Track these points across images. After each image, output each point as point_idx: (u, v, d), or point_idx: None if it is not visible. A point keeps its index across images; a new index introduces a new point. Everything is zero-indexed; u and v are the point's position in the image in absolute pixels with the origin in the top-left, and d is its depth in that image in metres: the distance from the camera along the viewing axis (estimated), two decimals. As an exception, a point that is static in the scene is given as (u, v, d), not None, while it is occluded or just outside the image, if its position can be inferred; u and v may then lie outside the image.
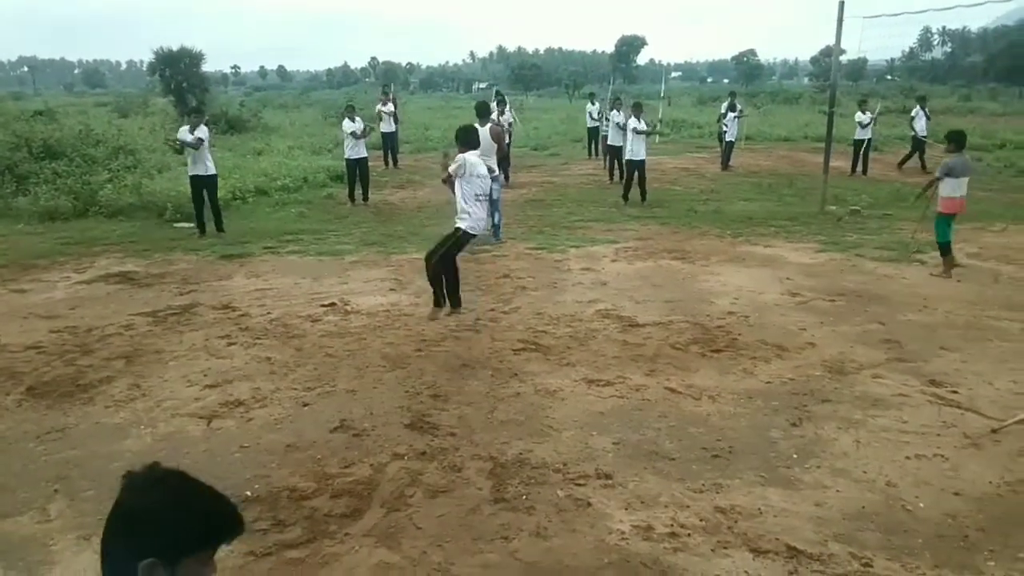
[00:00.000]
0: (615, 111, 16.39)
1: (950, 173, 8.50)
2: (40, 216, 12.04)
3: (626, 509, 3.95)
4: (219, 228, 11.05)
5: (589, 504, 3.99)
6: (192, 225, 11.14)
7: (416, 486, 4.18)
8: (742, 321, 7.03)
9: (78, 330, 6.83)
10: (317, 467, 4.40)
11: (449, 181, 6.82)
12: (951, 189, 8.53)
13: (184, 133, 10.59)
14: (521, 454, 4.53)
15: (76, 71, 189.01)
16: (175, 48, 33.97)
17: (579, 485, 4.18)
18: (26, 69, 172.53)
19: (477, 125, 10.37)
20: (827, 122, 13.36)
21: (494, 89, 20.42)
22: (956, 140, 8.65)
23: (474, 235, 6.88)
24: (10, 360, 6.10)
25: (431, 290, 7.07)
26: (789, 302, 7.64)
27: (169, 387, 5.58)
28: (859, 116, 17.51)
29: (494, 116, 13.70)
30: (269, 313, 7.32)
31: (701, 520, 3.85)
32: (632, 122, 13.52)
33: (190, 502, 1.38)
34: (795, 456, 4.52)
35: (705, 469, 4.37)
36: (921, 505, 3.98)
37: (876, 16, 12.21)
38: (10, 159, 14.29)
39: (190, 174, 10.80)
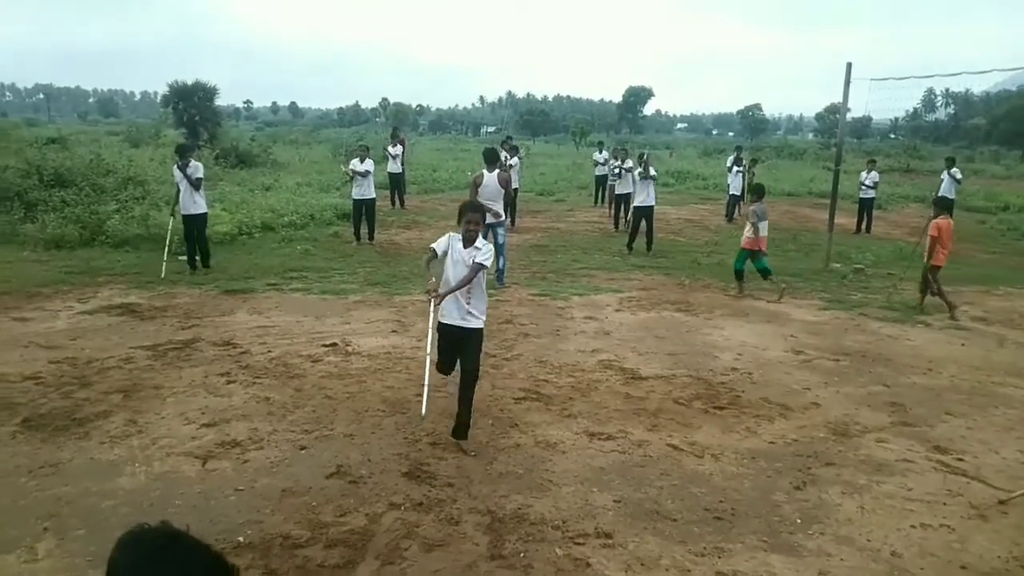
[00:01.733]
0: (618, 160, 16.57)
1: (761, 218, 10.47)
2: (46, 244, 12.07)
3: (626, 571, 3.86)
4: (205, 264, 10.92)
5: (588, 564, 3.91)
6: (183, 258, 10.98)
7: (412, 538, 4.10)
8: (745, 378, 6.98)
9: (78, 362, 6.79)
10: (312, 514, 4.32)
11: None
12: (763, 230, 10.52)
13: (177, 172, 10.61)
14: (520, 509, 4.46)
15: (91, 100, 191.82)
16: (189, 82, 34.54)
17: (578, 544, 4.09)
18: (42, 96, 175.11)
19: (485, 171, 10.50)
20: (833, 179, 13.46)
21: (504, 133, 20.62)
22: (760, 192, 10.82)
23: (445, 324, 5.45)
24: (7, 390, 6.04)
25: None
26: (793, 360, 7.60)
27: (166, 424, 5.52)
28: (863, 176, 17.65)
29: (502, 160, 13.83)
30: (270, 351, 7.28)
31: (702, 585, 3.76)
32: (628, 163, 13.86)
33: (174, 565, 1.37)
34: (799, 521, 4.44)
35: (707, 531, 4.28)
36: (927, 578, 3.90)
37: (884, 79, 12.36)
38: (20, 186, 14.41)
39: (182, 213, 10.66)
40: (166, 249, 10.69)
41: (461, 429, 5.31)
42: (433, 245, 5.29)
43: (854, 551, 4.13)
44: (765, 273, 10.59)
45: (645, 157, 13.81)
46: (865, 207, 17.70)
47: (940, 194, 17.79)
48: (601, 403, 6.21)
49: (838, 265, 12.79)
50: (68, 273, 10.38)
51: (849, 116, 13.78)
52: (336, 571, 3.79)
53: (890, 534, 4.31)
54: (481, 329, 5.42)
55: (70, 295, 9.24)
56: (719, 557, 4.02)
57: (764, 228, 10.54)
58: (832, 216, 13.27)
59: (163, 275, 10.24)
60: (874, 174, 17.69)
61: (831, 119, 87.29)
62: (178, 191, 10.67)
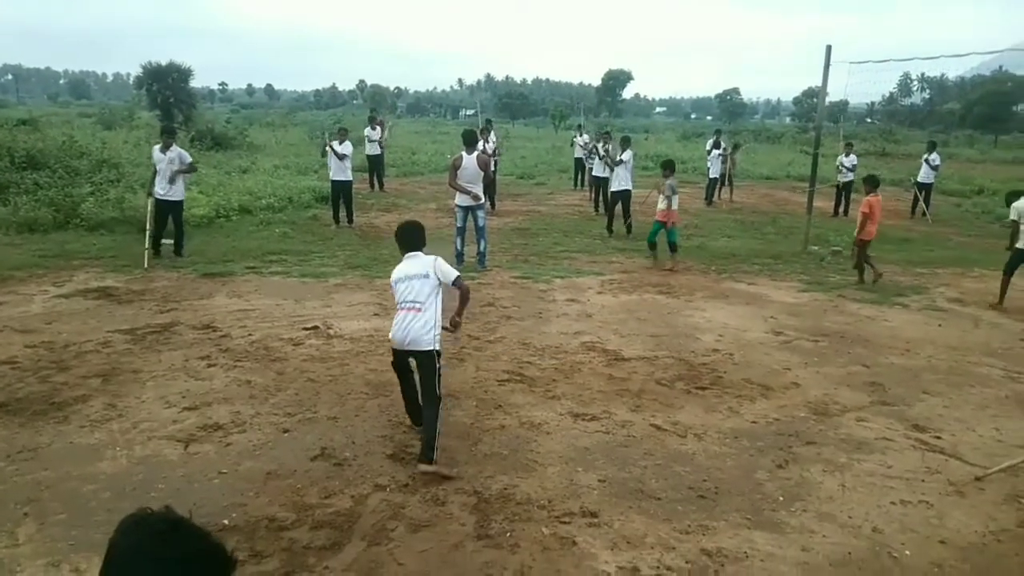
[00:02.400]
0: (600, 143, 16.53)
1: (675, 192, 11.25)
2: (19, 227, 11.81)
3: (612, 549, 3.89)
4: (178, 252, 10.59)
5: (574, 543, 3.93)
6: (171, 242, 10.71)
7: (398, 519, 4.10)
8: (727, 359, 7.03)
9: (54, 346, 6.68)
10: (296, 497, 4.30)
11: None
12: (675, 204, 11.23)
13: (157, 153, 10.41)
14: (506, 489, 4.47)
15: (62, 81, 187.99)
16: (163, 63, 33.93)
17: (564, 523, 4.11)
18: (10, 77, 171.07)
19: (464, 153, 10.44)
20: (811, 163, 13.54)
21: (483, 116, 20.49)
22: (671, 167, 11.68)
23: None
24: (-18, 375, 5.94)
25: None
26: (773, 341, 7.67)
27: (146, 408, 5.46)
28: (841, 159, 17.76)
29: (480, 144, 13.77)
30: (251, 335, 7.22)
31: (687, 562, 3.80)
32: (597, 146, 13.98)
33: (175, 550, 1.36)
34: (781, 498, 4.49)
35: (691, 510, 4.32)
36: (907, 553, 3.96)
37: (863, 62, 12.43)
38: (-9, 168, 14.08)
39: (158, 196, 10.37)
40: (148, 237, 10.23)
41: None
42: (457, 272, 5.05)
43: (836, 527, 4.19)
44: (673, 247, 11.17)
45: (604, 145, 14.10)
46: (843, 190, 17.83)
47: (918, 179, 18.09)
48: (584, 384, 6.23)
49: (816, 248, 12.90)
50: (42, 256, 10.18)
51: (827, 100, 13.83)
52: (322, 553, 3.78)
53: (871, 511, 4.38)
54: None
55: (45, 279, 9.08)
56: (703, 534, 4.06)
57: (676, 202, 11.22)
58: (811, 199, 13.37)
59: (146, 265, 9.84)
60: (852, 157, 17.81)
61: (809, 103, 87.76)
62: (154, 173, 10.47)
